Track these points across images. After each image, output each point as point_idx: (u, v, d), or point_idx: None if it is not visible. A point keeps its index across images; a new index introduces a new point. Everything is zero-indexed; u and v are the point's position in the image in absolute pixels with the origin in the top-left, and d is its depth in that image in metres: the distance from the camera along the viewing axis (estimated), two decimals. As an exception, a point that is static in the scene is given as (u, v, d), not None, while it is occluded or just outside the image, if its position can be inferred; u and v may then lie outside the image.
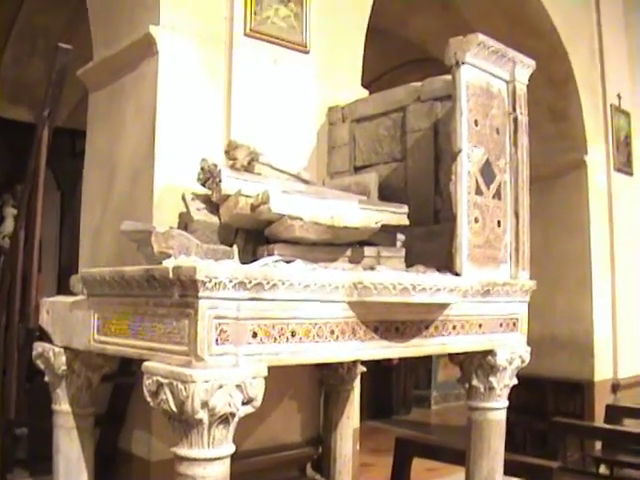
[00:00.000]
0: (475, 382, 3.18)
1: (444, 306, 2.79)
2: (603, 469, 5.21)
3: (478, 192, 3.03)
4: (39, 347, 2.92)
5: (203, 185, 3.05)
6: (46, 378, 2.90)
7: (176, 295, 2.12)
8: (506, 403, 3.21)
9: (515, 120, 3.24)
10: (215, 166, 2.99)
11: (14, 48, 6.83)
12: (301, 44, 3.92)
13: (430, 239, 3.37)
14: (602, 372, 6.28)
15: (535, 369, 4.45)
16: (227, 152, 3.21)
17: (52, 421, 2.91)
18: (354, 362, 3.82)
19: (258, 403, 2.18)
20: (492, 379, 3.14)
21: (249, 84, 3.69)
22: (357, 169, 3.95)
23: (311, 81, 3.98)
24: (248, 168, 3.10)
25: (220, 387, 2.06)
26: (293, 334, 2.27)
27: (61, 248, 7.23)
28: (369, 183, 3.59)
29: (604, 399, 6.18)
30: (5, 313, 3.23)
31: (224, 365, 2.09)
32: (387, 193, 3.57)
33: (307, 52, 3.95)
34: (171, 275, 2.10)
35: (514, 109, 3.25)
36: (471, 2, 6.26)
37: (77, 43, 3.48)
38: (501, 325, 3.13)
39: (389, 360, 9.11)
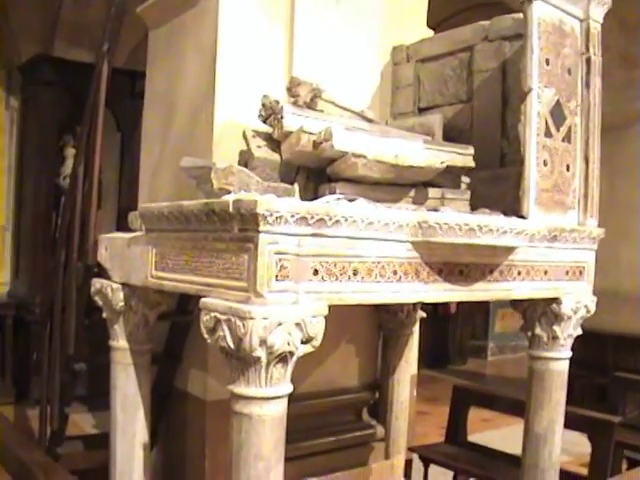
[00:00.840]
0: (538, 331, 3.09)
1: (510, 250, 2.69)
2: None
3: (547, 134, 2.89)
4: (97, 283, 2.93)
5: (264, 122, 2.98)
6: (104, 314, 2.92)
7: (236, 229, 2.07)
8: (569, 353, 3.12)
9: (588, 61, 3.06)
10: (277, 102, 2.92)
11: (74, -11, 6.80)
12: (366, -20, 3.76)
13: (495, 183, 3.25)
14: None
15: (596, 323, 4.31)
16: (289, 89, 3.12)
17: (109, 357, 2.93)
18: (414, 306, 3.76)
19: (318, 342, 2.13)
20: (556, 328, 3.04)
21: (311, 21, 3.57)
22: (421, 110, 3.82)
23: (375, 20, 3.84)
24: (311, 105, 3.01)
25: (279, 325, 2.01)
26: (355, 273, 2.21)
27: (120, 189, 7.26)
28: (433, 124, 3.47)
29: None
30: (65, 251, 3.24)
31: (284, 302, 2.04)
32: (452, 135, 3.44)
33: (372, -9, 3.80)
34: (231, 209, 2.05)
35: (587, 49, 3.06)
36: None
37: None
38: (567, 273, 3.01)
39: (447, 308, 9.05)
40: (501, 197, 3.12)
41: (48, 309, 3.69)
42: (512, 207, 2.90)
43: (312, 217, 2.07)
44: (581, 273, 3.07)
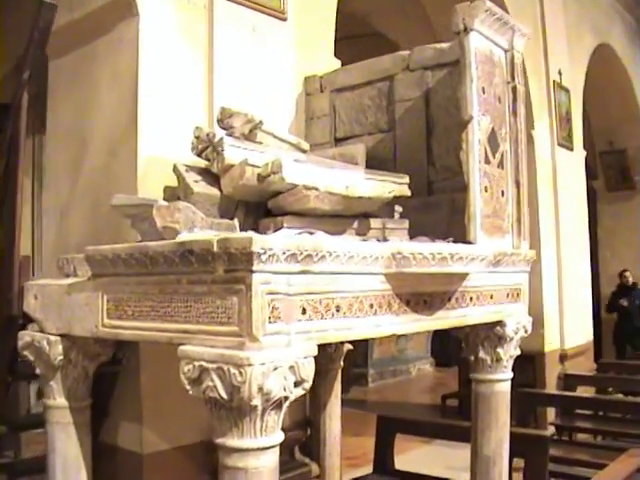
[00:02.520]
0: (482, 354, 3.14)
1: (464, 277, 2.71)
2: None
3: (487, 161, 2.96)
4: (27, 336, 2.64)
5: (199, 155, 2.84)
6: (37, 371, 2.63)
7: (220, 270, 1.93)
8: (511, 374, 3.19)
9: (514, 89, 3.19)
10: (214, 135, 2.79)
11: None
12: (280, 11, 3.74)
13: (426, 210, 3.29)
14: (551, 343, 6.43)
15: None
16: (220, 120, 2.99)
17: (44, 417, 2.65)
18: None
19: (309, 385, 2.03)
20: (499, 350, 3.10)
21: (230, 52, 3.49)
22: (338, 140, 3.81)
23: (289, 50, 3.81)
24: (249, 136, 2.91)
25: (275, 369, 1.89)
26: (338, 309, 2.13)
27: None
28: (356, 154, 3.45)
29: (554, 369, 6.34)
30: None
31: (278, 345, 1.92)
32: (373, 164, 3.44)
33: (285, 19, 3.78)
34: (215, 248, 1.91)
35: (513, 78, 3.19)
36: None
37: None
38: (508, 296, 3.09)
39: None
40: (434, 224, 3.16)
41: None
42: (446, 234, 2.93)
43: (301, 253, 1.97)
44: (518, 295, 3.16)
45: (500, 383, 3.14)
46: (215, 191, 2.81)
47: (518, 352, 3.21)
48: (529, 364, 6.27)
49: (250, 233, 1.94)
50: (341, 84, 3.80)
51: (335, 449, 3.78)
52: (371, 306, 2.27)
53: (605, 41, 8.28)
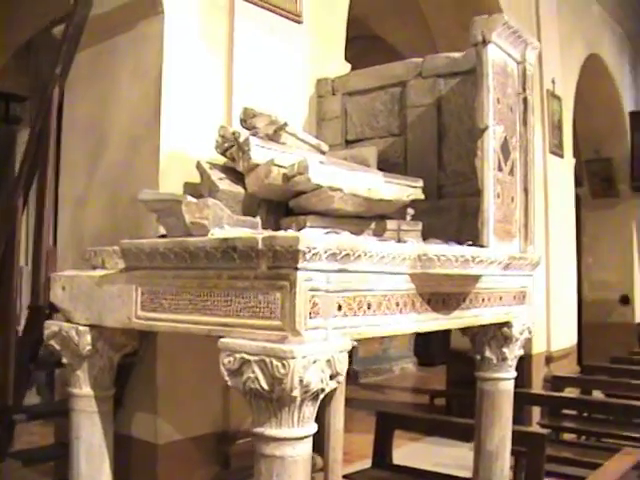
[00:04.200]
0: (488, 353, 3.26)
1: (478, 278, 2.82)
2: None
3: (499, 168, 3.08)
4: (54, 326, 2.70)
5: (223, 153, 2.92)
6: (63, 360, 2.69)
7: (263, 267, 2.02)
8: (515, 373, 3.31)
9: (525, 100, 3.31)
10: (239, 134, 2.87)
11: None
12: (296, 13, 3.82)
13: (436, 214, 3.39)
14: (538, 345, 6.58)
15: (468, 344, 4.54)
16: (244, 120, 3.07)
17: (69, 405, 2.71)
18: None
19: (343, 378, 2.12)
20: (505, 350, 3.23)
21: (248, 52, 3.56)
22: (349, 143, 3.90)
23: (304, 52, 3.89)
24: (274, 137, 2.99)
25: (314, 362, 1.98)
26: (369, 306, 2.23)
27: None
28: (368, 157, 3.54)
29: (540, 371, 6.49)
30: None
31: (317, 339, 2.01)
32: (384, 167, 3.54)
33: (301, 22, 3.86)
34: (260, 246, 1.99)
35: (524, 89, 3.31)
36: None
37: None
38: (515, 298, 3.21)
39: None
40: (444, 227, 3.28)
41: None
42: (456, 236, 3.05)
43: (340, 252, 2.06)
44: (524, 297, 3.29)
45: (505, 382, 3.27)
46: (239, 189, 2.89)
47: (522, 352, 3.34)
48: (517, 365, 6.41)
49: (295, 232, 2.02)
50: (353, 88, 3.89)
51: (338, 444, 3.86)
52: (397, 304, 2.37)
53: (595, 51, 8.48)
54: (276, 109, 3.67)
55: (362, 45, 7.43)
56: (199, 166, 2.92)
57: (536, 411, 6.01)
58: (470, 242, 2.80)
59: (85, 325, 2.61)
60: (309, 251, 1.95)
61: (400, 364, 11.11)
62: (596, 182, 9.71)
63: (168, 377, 3.20)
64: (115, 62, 3.45)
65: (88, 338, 2.60)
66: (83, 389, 2.66)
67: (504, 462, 3.26)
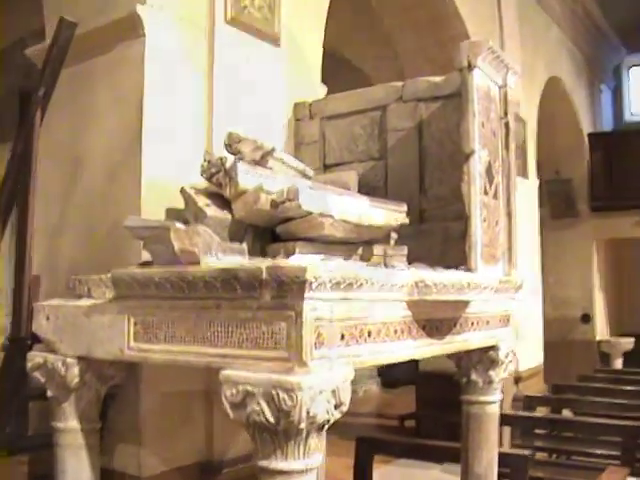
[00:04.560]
0: (474, 377, 3.26)
1: (468, 304, 2.83)
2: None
3: (485, 192, 3.10)
4: (38, 357, 2.61)
5: (209, 179, 2.88)
6: (48, 392, 2.60)
7: (267, 297, 1.98)
8: (501, 396, 3.32)
9: (507, 125, 3.35)
10: (226, 159, 2.84)
11: None
12: (274, 37, 3.81)
13: (418, 238, 3.40)
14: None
15: (441, 364, 4.54)
16: (229, 145, 3.03)
17: (54, 440, 2.62)
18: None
19: (346, 408, 2.08)
20: (491, 373, 3.24)
21: (228, 75, 3.54)
22: (327, 167, 3.90)
23: (282, 75, 3.88)
24: (260, 162, 2.96)
25: (320, 393, 1.95)
26: (369, 334, 2.21)
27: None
28: (348, 181, 3.54)
29: (509, 390, 6.53)
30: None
31: (322, 370, 1.98)
32: (364, 191, 3.55)
33: (279, 45, 3.85)
34: (265, 275, 1.96)
35: (505, 114, 3.35)
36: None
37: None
38: (500, 321, 3.23)
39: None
40: (427, 251, 3.28)
41: None
42: (439, 261, 3.05)
43: (344, 281, 2.04)
44: (508, 320, 3.31)
45: (491, 405, 3.28)
46: (226, 215, 2.84)
47: (507, 375, 3.35)
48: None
49: (301, 261, 2.00)
50: (331, 112, 3.89)
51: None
52: (395, 332, 2.36)
53: (555, 74, 8.68)
54: (256, 133, 3.66)
55: (329, 66, 7.45)
56: (183, 192, 2.87)
57: (506, 431, 6.06)
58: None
59: (72, 357, 2.53)
60: (315, 280, 1.92)
61: (364, 386, 11.08)
62: (556, 202, 9.90)
63: (152, 408, 3.12)
64: (93, 84, 3.38)
65: (76, 370, 2.52)
66: (69, 423, 2.57)
67: (492, 485, 3.25)
